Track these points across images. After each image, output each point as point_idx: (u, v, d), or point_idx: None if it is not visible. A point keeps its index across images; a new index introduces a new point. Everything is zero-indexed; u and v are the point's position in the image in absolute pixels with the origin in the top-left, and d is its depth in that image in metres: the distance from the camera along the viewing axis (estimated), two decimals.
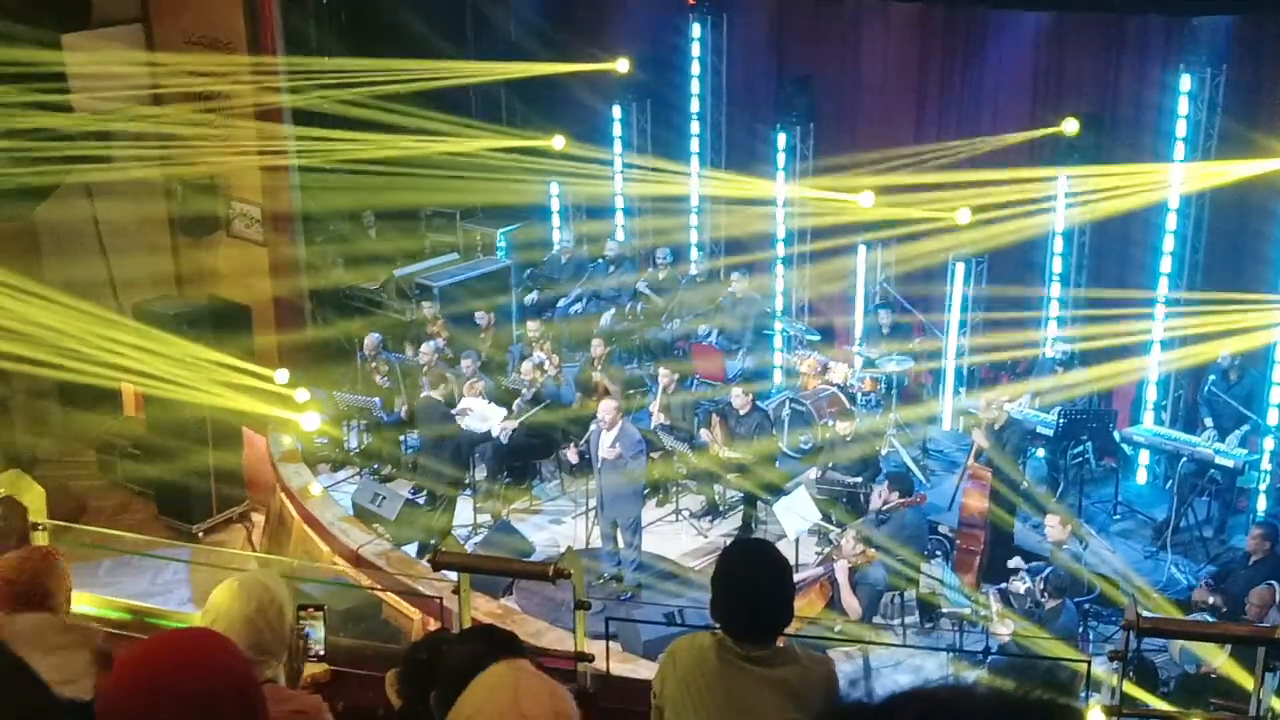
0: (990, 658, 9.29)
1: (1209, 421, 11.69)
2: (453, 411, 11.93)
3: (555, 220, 16.51)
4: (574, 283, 15.30)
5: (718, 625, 3.78)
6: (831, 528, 10.89)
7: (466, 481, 12.42)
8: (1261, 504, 11.50)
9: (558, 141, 15.09)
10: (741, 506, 12.11)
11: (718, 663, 3.71)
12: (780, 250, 14.58)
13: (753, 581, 3.74)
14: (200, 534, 13.50)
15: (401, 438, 13.06)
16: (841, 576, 9.85)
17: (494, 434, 12.03)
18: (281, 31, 14.00)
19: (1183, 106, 11.65)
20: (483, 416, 12.06)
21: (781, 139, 14.15)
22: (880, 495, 10.60)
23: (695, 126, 15.01)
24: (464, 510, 12.20)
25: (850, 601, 9.81)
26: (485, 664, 2.76)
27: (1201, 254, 11.92)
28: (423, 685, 3.12)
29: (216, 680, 2.45)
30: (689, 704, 3.73)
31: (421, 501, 12.06)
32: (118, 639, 5.53)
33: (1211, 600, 9.65)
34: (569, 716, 2.61)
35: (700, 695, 3.72)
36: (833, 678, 3.84)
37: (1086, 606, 9.95)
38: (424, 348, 12.77)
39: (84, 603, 6.75)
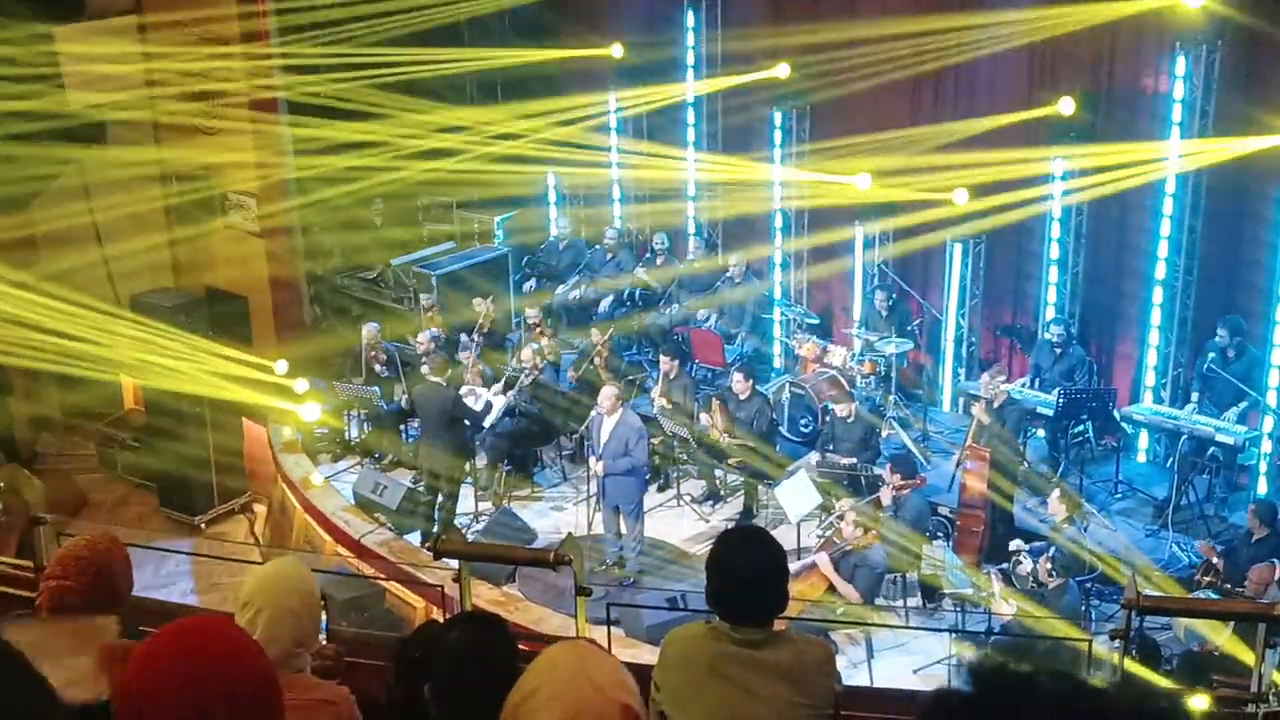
0: (993, 638, 9.30)
1: (1195, 396, 11.73)
2: (461, 392, 11.95)
3: (552, 207, 16.49)
4: (572, 269, 15.29)
5: (714, 612, 3.78)
6: (836, 506, 10.88)
7: (468, 469, 12.43)
8: (1262, 482, 11.50)
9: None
10: (742, 491, 12.12)
11: (713, 650, 3.71)
12: (777, 234, 14.56)
13: (746, 566, 3.74)
14: (202, 526, 13.53)
15: (401, 427, 13.06)
16: (826, 567, 9.85)
17: (486, 424, 12.05)
18: (275, 21, 13.97)
19: (1179, 84, 11.62)
20: (482, 403, 12.08)
21: (778, 121, 14.12)
22: (887, 483, 10.59)
23: (690, 111, 14.98)
24: (465, 498, 12.21)
25: (845, 588, 9.82)
26: (476, 649, 2.77)
27: (1199, 233, 11.90)
28: (418, 678, 3.13)
29: (238, 669, 2.45)
30: (688, 693, 3.73)
31: (422, 489, 12.05)
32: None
33: (1215, 560, 9.68)
34: (632, 688, 2.63)
35: (699, 683, 3.72)
36: (829, 660, 3.84)
37: (1089, 585, 9.97)
38: (420, 337, 12.76)
39: None
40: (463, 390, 12.21)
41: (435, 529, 11.45)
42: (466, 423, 11.89)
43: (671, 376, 12.31)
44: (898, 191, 12.81)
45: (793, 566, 8.88)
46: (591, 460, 11.09)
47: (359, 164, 14.26)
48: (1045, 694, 1.62)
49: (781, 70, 13.81)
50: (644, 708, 2.60)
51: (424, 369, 12.04)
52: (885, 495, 10.49)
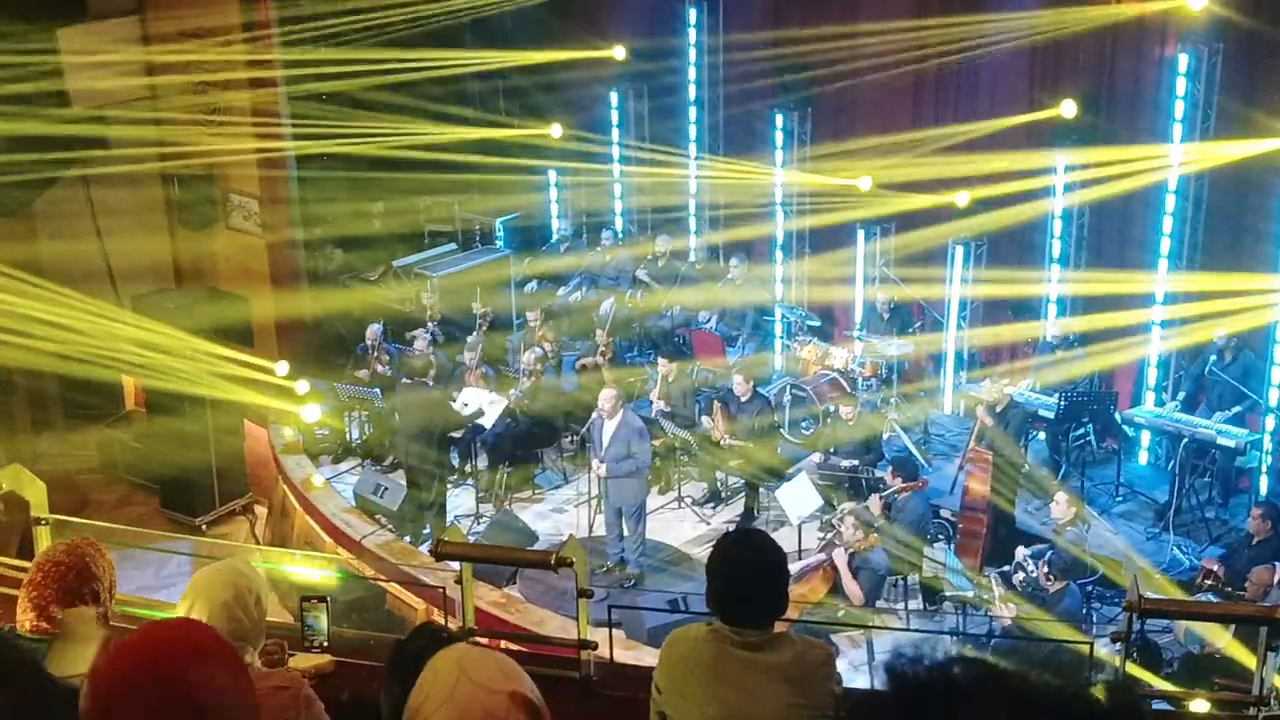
0: (994, 641, 9.30)
1: (1180, 395, 11.78)
2: (463, 393, 11.93)
3: (554, 209, 16.48)
4: (572, 271, 15.28)
5: (715, 614, 3.78)
6: (840, 508, 10.87)
7: (466, 470, 12.43)
8: (1263, 484, 11.49)
9: (555, 130, 15.11)
10: (744, 493, 12.12)
11: (714, 651, 3.72)
12: (779, 236, 14.56)
13: (746, 568, 3.75)
14: (203, 527, 13.52)
15: None
16: (841, 564, 9.85)
17: (487, 426, 12.04)
18: (277, 22, 13.98)
19: (1180, 86, 11.62)
20: (482, 405, 12.07)
21: (779, 123, 14.12)
22: (889, 486, 10.57)
23: (693, 112, 14.99)
24: (466, 499, 12.21)
25: (852, 587, 9.81)
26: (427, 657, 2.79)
27: (1201, 234, 11.89)
28: (410, 678, 3.17)
29: (207, 669, 2.44)
30: (689, 694, 3.74)
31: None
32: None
33: (1216, 568, 9.67)
34: (516, 675, 2.63)
35: (700, 684, 3.73)
36: (830, 661, 3.85)
37: (1089, 588, 9.96)
38: (418, 343, 12.75)
39: None
40: (465, 391, 12.20)
41: (427, 531, 11.48)
42: (454, 433, 11.87)
43: (670, 379, 12.31)
44: (899, 193, 12.82)
45: (794, 569, 8.88)
46: (594, 462, 11.08)
47: (361, 165, 14.27)
48: (963, 686, 1.62)
49: (783, 73, 13.81)
50: (536, 691, 2.60)
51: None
52: (875, 505, 10.41)
